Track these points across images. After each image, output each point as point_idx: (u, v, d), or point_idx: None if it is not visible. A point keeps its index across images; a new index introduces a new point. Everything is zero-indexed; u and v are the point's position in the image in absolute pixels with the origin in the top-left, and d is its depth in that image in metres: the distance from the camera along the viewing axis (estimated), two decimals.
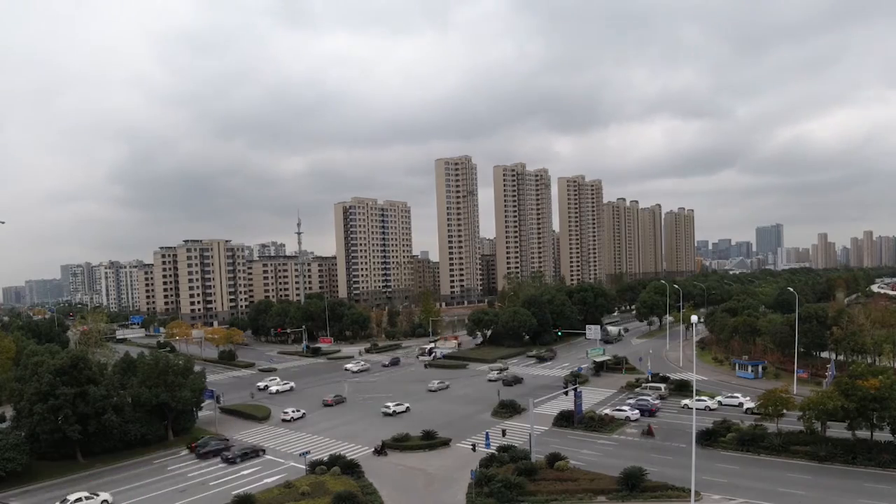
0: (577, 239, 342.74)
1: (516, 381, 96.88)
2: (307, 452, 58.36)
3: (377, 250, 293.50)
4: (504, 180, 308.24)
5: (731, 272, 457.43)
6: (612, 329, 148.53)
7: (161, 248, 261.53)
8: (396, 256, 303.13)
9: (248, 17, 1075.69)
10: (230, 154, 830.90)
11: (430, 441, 63.60)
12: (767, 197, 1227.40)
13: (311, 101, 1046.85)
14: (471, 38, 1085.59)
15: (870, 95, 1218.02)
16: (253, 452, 63.37)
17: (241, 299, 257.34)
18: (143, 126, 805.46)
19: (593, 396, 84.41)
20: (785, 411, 60.16)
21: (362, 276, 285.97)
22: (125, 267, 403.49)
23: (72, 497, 50.34)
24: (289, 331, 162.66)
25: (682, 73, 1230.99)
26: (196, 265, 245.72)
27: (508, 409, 76.71)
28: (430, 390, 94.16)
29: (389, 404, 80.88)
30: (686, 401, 75.45)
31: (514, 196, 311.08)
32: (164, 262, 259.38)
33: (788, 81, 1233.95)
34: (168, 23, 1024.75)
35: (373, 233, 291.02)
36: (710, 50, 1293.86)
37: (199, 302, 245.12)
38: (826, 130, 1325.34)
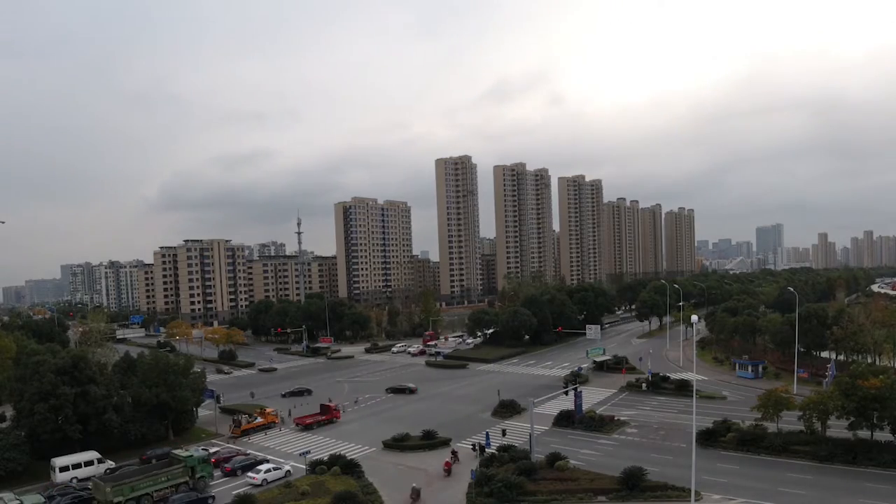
0: (577, 239, 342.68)
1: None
2: (307, 452, 58.31)
3: (377, 250, 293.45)
4: (504, 180, 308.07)
5: (731, 272, 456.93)
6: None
7: (161, 247, 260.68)
8: (396, 256, 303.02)
9: None
10: None
11: (430, 441, 63.56)
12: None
13: None
14: None
15: None
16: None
17: (241, 299, 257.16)
18: None
19: (593, 396, 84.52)
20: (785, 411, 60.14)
21: (362, 275, 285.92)
22: (125, 267, 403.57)
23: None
24: (289, 330, 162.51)
25: None
26: (196, 265, 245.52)
27: (508, 409, 76.72)
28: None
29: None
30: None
31: (514, 196, 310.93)
32: (164, 262, 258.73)
33: None
34: None
35: (373, 232, 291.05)
36: None
37: (199, 302, 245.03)
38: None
